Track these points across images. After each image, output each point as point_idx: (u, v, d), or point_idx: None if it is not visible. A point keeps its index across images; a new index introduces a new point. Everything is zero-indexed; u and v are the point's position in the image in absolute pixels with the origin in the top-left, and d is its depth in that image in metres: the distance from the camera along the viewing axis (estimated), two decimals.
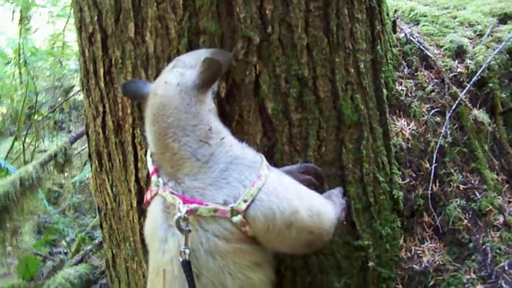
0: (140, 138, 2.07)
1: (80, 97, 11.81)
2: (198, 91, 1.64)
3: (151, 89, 1.70)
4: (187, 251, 1.50)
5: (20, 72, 7.39)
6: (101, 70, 2.15)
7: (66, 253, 5.52)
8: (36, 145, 7.74)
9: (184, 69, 1.69)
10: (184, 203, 1.54)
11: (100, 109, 2.22)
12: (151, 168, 1.70)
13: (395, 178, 2.23)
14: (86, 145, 2.76)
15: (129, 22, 2.01)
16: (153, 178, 1.67)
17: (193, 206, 1.54)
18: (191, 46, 1.92)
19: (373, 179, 2.12)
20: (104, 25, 2.10)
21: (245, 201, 1.55)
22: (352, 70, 2.06)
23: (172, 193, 1.58)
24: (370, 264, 2.09)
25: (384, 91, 2.23)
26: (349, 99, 2.04)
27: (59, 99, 10.50)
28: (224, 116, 1.91)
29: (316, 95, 1.98)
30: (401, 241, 2.22)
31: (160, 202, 1.63)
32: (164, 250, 1.59)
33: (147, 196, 1.70)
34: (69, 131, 12.06)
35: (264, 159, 1.67)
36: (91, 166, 2.45)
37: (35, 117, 8.13)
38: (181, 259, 1.51)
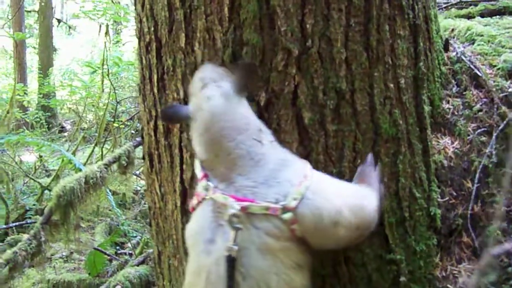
0: (186, 141, 2.19)
1: None
2: (240, 95, 1.77)
3: (193, 108, 1.81)
4: (235, 247, 1.57)
5: (102, 81, 7.81)
6: (155, 77, 2.30)
7: (131, 255, 5.76)
8: (113, 151, 8.14)
9: (217, 82, 1.81)
10: (236, 201, 1.62)
11: (153, 113, 2.37)
12: (200, 174, 1.79)
13: (434, 195, 2.22)
14: None
15: (181, 32, 2.15)
16: (202, 182, 1.75)
17: (245, 203, 1.61)
18: (235, 57, 2.02)
19: (409, 194, 2.13)
20: (159, 35, 2.26)
21: (294, 199, 1.62)
22: (392, 85, 2.09)
23: (223, 193, 1.66)
24: (402, 279, 2.10)
25: (426, 108, 2.24)
26: (387, 113, 2.08)
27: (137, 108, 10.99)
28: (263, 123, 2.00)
29: (354, 108, 2.03)
30: (437, 259, 2.21)
31: (209, 204, 1.70)
32: (210, 250, 1.64)
33: (193, 202, 1.79)
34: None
35: (307, 162, 1.79)
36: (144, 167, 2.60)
37: (115, 124, 8.51)
38: (227, 254, 1.57)
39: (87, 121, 15.63)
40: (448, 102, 2.44)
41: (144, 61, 2.40)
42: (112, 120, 9.42)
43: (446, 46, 2.62)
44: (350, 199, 1.75)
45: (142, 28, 2.37)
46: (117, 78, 9.52)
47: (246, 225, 1.61)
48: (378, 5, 2.05)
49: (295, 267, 1.66)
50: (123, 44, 17.86)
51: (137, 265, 4.90)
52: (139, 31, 2.43)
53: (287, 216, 1.61)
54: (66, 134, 15.50)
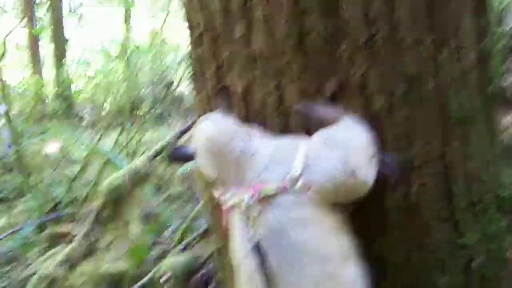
0: None
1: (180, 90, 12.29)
2: (227, 118, 1.97)
3: (193, 143, 1.96)
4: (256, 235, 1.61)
5: (125, 68, 7.79)
6: (208, 71, 2.27)
7: (170, 242, 5.77)
8: (140, 138, 8.13)
9: (208, 118, 1.98)
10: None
11: (207, 107, 2.33)
12: (217, 195, 1.84)
13: (501, 176, 2.19)
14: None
15: (237, 23, 2.10)
16: (221, 200, 1.81)
17: (255, 190, 1.66)
18: (299, 46, 1.98)
19: (478, 177, 2.10)
20: (212, 26, 2.21)
21: (297, 169, 1.65)
22: (457, 66, 2.04)
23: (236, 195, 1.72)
24: (475, 263, 2.08)
25: (490, 87, 2.19)
26: (454, 96, 2.03)
27: (159, 93, 10.97)
28: None
29: (421, 93, 1.98)
30: (508, 241, 2.18)
31: (234, 213, 1.75)
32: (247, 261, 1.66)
33: (224, 222, 1.83)
34: (169, 125, 12.52)
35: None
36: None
37: (139, 111, 8.52)
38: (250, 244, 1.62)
39: (105, 109, 15.69)
40: (507, 79, 2.39)
41: (195, 55, 2.36)
42: (136, 106, 9.44)
43: (501, 21, 2.55)
44: (348, 144, 1.75)
45: (192, 20, 2.33)
46: (136, 64, 9.48)
47: (269, 209, 1.63)
48: None
49: (339, 228, 1.70)
50: (135, 30, 17.79)
51: (180, 253, 4.92)
52: (189, 22, 2.39)
53: (300, 184, 1.63)
54: (84, 123, 15.57)
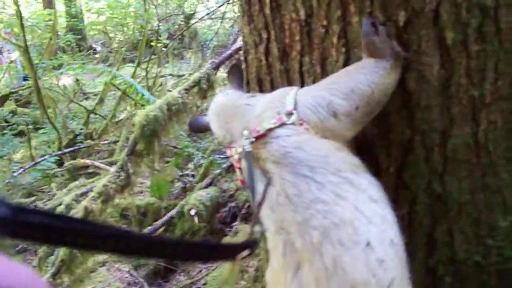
0: (308, 66, 2.08)
1: (199, 24, 12.06)
2: (238, 90, 2.18)
3: (208, 112, 2.16)
4: (249, 147, 1.75)
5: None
6: None
7: (193, 176, 5.80)
8: (159, 70, 8.03)
9: (221, 92, 2.25)
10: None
11: (264, 35, 2.24)
12: (229, 152, 1.92)
13: None
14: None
15: None
16: (232, 152, 1.89)
17: (256, 127, 1.77)
18: None
19: None
20: None
21: (289, 103, 1.78)
22: None
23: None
24: None
25: None
26: None
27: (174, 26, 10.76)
28: (401, 45, 1.88)
29: (497, 26, 1.87)
30: None
31: (244, 160, 1.81)
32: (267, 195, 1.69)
33: (238, 174, 1.90)
34: (182, 58, 12.39)
35: None
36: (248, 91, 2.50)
37: (155, 44, 8.36)
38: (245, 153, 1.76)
39: (118, 41, 15.49)
40: None
41: None
42: (152, 39, 9.27)
43: None
44: (337, 87, 1.82)
45: None
46: None
47: (269, 143, 1.74)
48: None
49: (339, 149, 1.74)
50: None
51: (206, 187, 4.93)
52: None
53: (293, 118, 1.74)
54: (97, 55, 15.42)
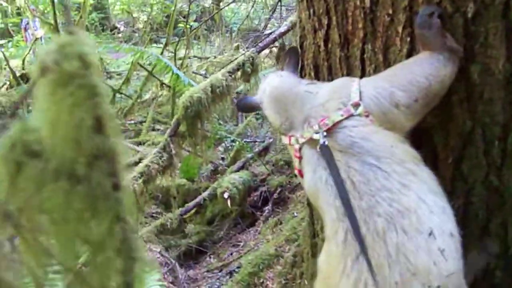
0: (370, 53, 2.09)
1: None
2: (293, 74, 2.15)
3: (259, 93, 2.17)
4: (326, 142, 1.76)
5: None
6: None
7: (223, 159, 5.83)
8: (187, 52, 8.03)
9: (275, 73, 2.24)
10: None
11: (324, 21, 2.24)
12: (287, 139, 1.96)
13: None
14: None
15: None
16: (292, 141, 1.92)
17: (324, 121, 1.81)
18: None
19: None
20: None
21: (355, 95, 1.82)
22: None
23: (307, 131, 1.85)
24: None
25: None
26: None
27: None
28: (468, 37, 1.88)
29: None
30: None
31: (306, 149, 1.86)
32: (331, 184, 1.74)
33: (295, 164, 1.94)
34: (210, 41, 12.37)
35: None
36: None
37: (185, 25, 8.33)
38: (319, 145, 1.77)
39: (142, 21, 15.50)
40: None
41: None
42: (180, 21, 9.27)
43: None
44: (397, 78, 1.86)
45: None
46: None
47: (335, 133, 1.78)
48: None
49: (402, 141, 1.80)
50: None
51: (237, 171, 4.96)
52: None
53: (360, 109, 1.79)
54: (120, 35, 15.44)
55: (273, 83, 2.12)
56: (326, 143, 1.76)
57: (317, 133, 1.80)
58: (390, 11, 2.01)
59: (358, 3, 2.09)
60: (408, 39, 1.99)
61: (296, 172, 1.99)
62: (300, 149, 1.88)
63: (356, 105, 1.79)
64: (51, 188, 0.88)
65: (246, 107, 2.42)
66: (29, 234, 0.89)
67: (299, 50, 2.45)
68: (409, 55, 2.00)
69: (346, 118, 1.79)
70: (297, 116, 1.93)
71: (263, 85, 2.19)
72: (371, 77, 1.99)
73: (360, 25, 2.10)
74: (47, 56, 0.86)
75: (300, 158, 1.89)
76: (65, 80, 0.86)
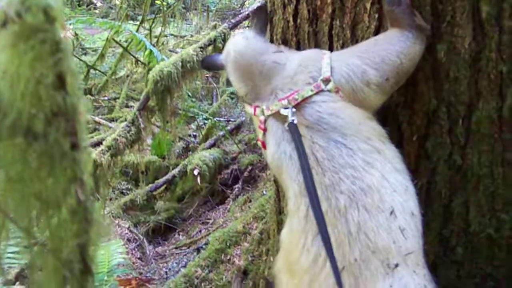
0: (338, 29, 2.07)
1: None
2: (260, 36, 2.07)
3: (224, 55, 2.09)
4: (295, 121, 1.73)
5: None
6: None
7: (195, 136, 5.80)
8: (163, 29, 7.94)
9: (241, 33, 2.12)
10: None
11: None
12: (251, 109, 1.91)
13: None
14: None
15: None
16: (257, 112, 1.89)
17: (293, 95, 1.78)
18: None
19: None
20: None
21: (326, 70, 1.80)
22: None
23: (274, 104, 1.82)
24: None
25: None
26: None
27: None
28: (435, 15, 1.88)
29: None
30: None
31: (272, 122, 1.83)
32: (294, 158, 1.72)
33: (259, 136, 1.91)
34: (187, 19, 12.24)
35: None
36: None
37: (161, 2, 8.23)
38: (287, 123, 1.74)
39: None
40: None
41: None
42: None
43: None
44: (369, 55, 1.83)
45: None
46: None
47: (303, 108, 1.76)
48: None
49: (370, 118, 1.79)
50: None
51: (209, 148, 4.94)
52: None
53: (330, 85, 1.77)
54: (97, 11, 15.20)
55: (238, 46, 2.04)
56: (295, 121, 1.73)
57: (285, 108, 1.77)
58: None
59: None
60: (376, 15, 1.98)
61: (259, 143, 1.96)
62: (265, 121, 1.86)
63: (326, 81, 1.78)
64: (6, 144, 0.85)
65: (210, 65, 2.37)
66: None
67: (269, 25, 2.43)
68: (377, 31, 1.99)
69: (316, 93, 1.77)
70: (263, 87, 1.90)
71: (228, 46, 2.11)
72: (342, 52, 1.96)
73: (329, 1, 2.08)
74: (9, 7, 0.82)
75: (265, 130, 1.87)
76: (27, 33, 0.83)
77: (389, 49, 1.84)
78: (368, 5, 1.99)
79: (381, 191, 1.61)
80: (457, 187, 2.05)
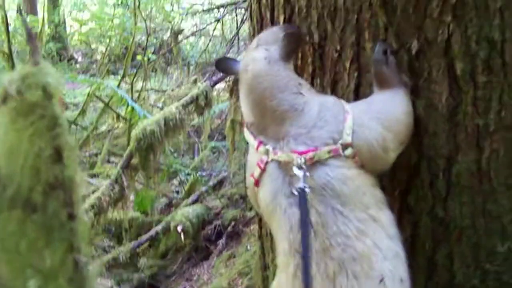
0: (319, 88, 2.14)
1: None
2: (284, 61, 1.92)
3: (241, 67, 1.96)
4: (307, 188, 1.66)
5: (135, 13, 7.55)
6: (281, 18, 2.22)
7: (177, 192, 5.79)
8: (144, 84, 8.03)
9: (268, 45, 1.95)
10: (299, 155, 1.71)
11: None
12: (255, 143, 1.84)
13: None
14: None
15: None
16: (260, 149, 1.81)
17: (309, 154, 1.70)
18: (386, 1, 1.94)
19: None
20: None
21: (348, 134, 1.74)
22: None
23: (284, 152, 1.75)
24: None
25: None
26: None
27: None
28: (413, 73, 1.95)
29: (502, 59, 1.96)
30: None
31: (274, 167, 1.77)
32: (296, 202, 1.70)
33: (255, 174, 1.83)
34: (165, 73, 12.38)
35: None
36: None
37: (142, 58, 8.34)
38: (296, 193, 1.67)
39: (100, 53, 15.43)
40: None
41: (264, 0, 2.31)
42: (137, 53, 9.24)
43: None
44: (387, 121, 1.84)
45: None
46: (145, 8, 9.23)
47: (315, 168, 1.70)
48: None
49: (374, 185, 1.80)
50: None
51: (192, 204, 4.94)
52: None
53: (348, 152, 1.73)
54: (78, 66, 15.34)
55: (257, 67, 1.89)
56: (307, 189, 1.67)
57: (299, 168, 1.70)
58: (338, 47, 2.07)
59: (307, 38, 2.14)
60: (356, 74, 2.05)
61: (251, 179, 1.87)
62: (267, 162, 1.79)
63: (346, 146, 1.74)
64: (5, 216, 0.87)
65: (226, 68, 2.16)
66: None
67: (301, 36, 2.19)
68: (357, 90, 2.06)
69: (332, 157, 1.72)
70: (273, 126, 1.81)
71: (247, 58, 1.98)
72: (361, 110, 1.86)
73: (309, 60, 2.15)
74: (10, 85, 0.86)
75: (263, 170, 1.80)
76: (27, 110, 0.87)
77: (397, 111, 1.90)
78: (347, 64, 2.06)
79: (371, 258, 1.62)
80: (441, 239, 2.07)
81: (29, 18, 12.21)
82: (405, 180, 2.06)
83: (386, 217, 1.74)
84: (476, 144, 2.00)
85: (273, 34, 2.02)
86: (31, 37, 0.92)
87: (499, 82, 1.97)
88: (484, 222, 2.06)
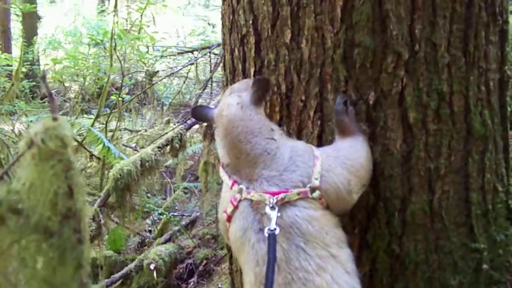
0: (285, 134, 2.32)
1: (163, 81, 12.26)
2: (255, 106, 2.05)
3: (216, 112, 2.12)
4: (277, 230, 1.78)
5: (111, 55, 7.70)
6: (252, 70, 2.41)
7: (150, 231, 5.86)
8: (118, 124, 8.12)
9: (240, 92, 2.11)
10: (271, 196, 1.86)
11: None
12: (229, 182, 1.98)
13: (511, 189, 2.40)
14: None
15: (286, 29, 2.26)
16: (234, 188, 1.95)
17: (280, 195, 1.84)
18: (346, 57, 2.15)
19: (492, 188, 2.31)
20: (259, 29, 2.36)
21: (316, 179, 1.89)
22: (483, 88, 2.24)
23: (257, 192, 1.89)
24: (484, 266, 2.28)
25: (508, 108, 2.40)
26: (479, 114, 2.23)
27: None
28: (370, 121, 2.15)
29: (451, 109, 2.18)
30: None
31: (246, 205, 1.91)
32: (264, 238, 1.82)
33: (228, 210, 1.96)
34: (142, 114, 12.47)
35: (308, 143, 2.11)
36: None
37: (117, 98, 8.46)
38: (268, 233, 1.78)
39: (73, 91, 15.47)
40: None
41: (236, 53, 2.50)
42: (109, 92, 9.36)
43: None
44: (352, 167, 2.00)
45: (237, 20, 2.46)
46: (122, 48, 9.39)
47: (284, 208, 1.84)
48: (477, 13, 2.19)
49: (337, 225, 1.94)
50: (108, 14, 17.63)
51: (164, 243, 5.02)
52: (231, 22, 2.52)
53: (316, 194, 1.88)
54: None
55: (231, 112, 2.03)
56: (278, 231, 1.78)
57: (272, 207, 1.83)
58: (303, 97, 2.27)
59: (275, 89, 2.33)
60: (319, 122, 2.24)
61: (224, 214, 1.99)
62: (240, 200, 1.92)
63: (314, 189, 1.88)
64: (28, 240, 1.09)
65: (202, 116, 2.31)
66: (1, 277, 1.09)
67: (270, 82, 2.31)
68: (320, 136, 2.24)
69: (301, 198, 1.87)
70: (247, 167, 1.94)
71: (222, 103, 2.11)
72: (329, 156, 2.01)
73: (277, 109, 2.33)
74: (36, 135, 1.08)
75: (236, 208, 1.93)
76: (48, 156, 1.08)
77: (360, 157, 2.07)
78: (311, 113, 2.25)
79: None
80: (397, 274, 2.24)
81: (4, 56, 12.28)
82: (363, 219, 2.24)
83: (345, 255, 1.88)
84: (428, 186, 2.20)
85: (245, 83, 2.21)
86: (52, 96, 1.14)
87: (448, 130, 2.18)
88: (437, 257, 2.23)
